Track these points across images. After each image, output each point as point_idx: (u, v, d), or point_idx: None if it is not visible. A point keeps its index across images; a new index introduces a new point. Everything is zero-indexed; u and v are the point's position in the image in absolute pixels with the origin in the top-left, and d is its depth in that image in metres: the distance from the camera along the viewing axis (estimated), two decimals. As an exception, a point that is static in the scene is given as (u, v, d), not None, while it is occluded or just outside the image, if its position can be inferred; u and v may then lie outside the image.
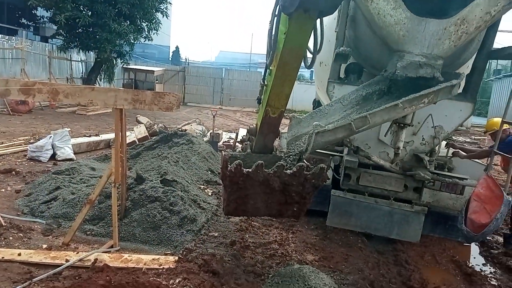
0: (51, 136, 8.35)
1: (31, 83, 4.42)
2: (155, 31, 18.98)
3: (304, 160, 3.58)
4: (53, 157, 8.14)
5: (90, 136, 10.75)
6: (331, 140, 3.65)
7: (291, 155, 3.66)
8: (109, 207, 4.96)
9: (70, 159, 8.17)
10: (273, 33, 3.22)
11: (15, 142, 9.17)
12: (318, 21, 2.99)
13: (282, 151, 3.97)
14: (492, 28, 4.46)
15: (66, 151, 8.36)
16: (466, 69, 5.08)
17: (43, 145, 8.10)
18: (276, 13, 3.14)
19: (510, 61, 29.54)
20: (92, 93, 4.21)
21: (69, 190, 5.70)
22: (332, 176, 5.41)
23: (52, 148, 8.24)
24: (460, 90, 4.21)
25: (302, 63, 3.21)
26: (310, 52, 3.24)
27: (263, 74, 3.90)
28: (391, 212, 4.98)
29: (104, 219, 4.97)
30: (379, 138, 4.99)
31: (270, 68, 3.45)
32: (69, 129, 9.63)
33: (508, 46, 4.55)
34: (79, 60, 21.12)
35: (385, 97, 4.03)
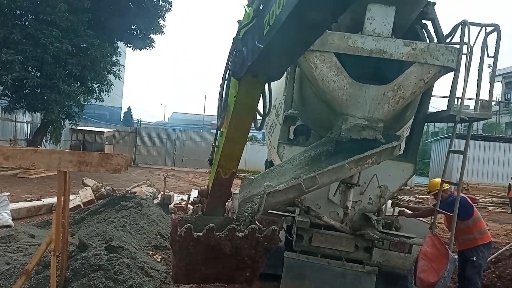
0: (-13, 202, 7.80)
1: (-33, 144, 4.17)
2: (106, 93, 18.88)
3: (256, 222, 3.53)
4: (-12, 224, 7.54)
5: (31, 200, 10.10)
6: (283, 200, 3.66)
7: (242, 216, 3.61)
8: (47, 278, 4.55)
9: (8, 226, 7.59)
10: (224, 96, 3.30)
11: None
12: (266, 85, 3.12)
13: (234, 213, 3.91)
14: (426, 93, 4.85)
15: (4, 217, 7.79)
16: (405, 131, 5.41)
17: (-22, 211, 7.52)
18: (226, 77, 3.25)
19: (446, 124, 31.97)
20: (34, 155, 4.01)
21: (3, 260, 5.23)
22: (285, 237, 5.36)
23: (-12, 214, 7.66)
24: (401, 151, 4.45)
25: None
26: (260, 115, 3.34)
27: (214, 135, 3.93)
28: (343, 273, 4.95)
29: (41, 292, 4.55)
30: (329, 198, 5.07)
31: (221, 129, 3.49)
32: (8, 193, 9.04)
33: (442, 111, 4.93)
34: (25, 121, 20.37)
35: (332, 158, 4.16)
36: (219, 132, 3.63)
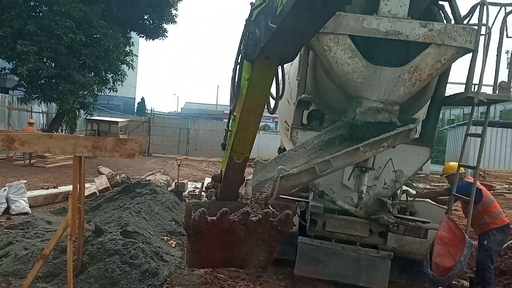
0: (5, 189, 7.95)
1: (-16, 131, 4.23)
2: (120, 82, 18.99)
3: (270, 206, 3.53)
4: (7, 211, 7.70)
5: (47, 188, 10.27)
6: (296, 184, 3.64)
7: (256, 201, 3.60)
8: (64, 263, 4.64)
9: (25, 213, 7.73)
10: (236, 80, 3.28)
11: (-35, 196, 8.60)
12: (279, 68, 3.08)
13: (248, 198, 3.92)
14: (443, 75, 4.75)
15: (21, 205, 7.93)
16: (422, 114, 5.32)
17: (-4, 199, 7.68)
18: (239, 60, 3.22)
19: (462, 111, 31.44)
20: (50, 141, 4.06)
21: (21, 246, 5.33)
22: (298, 223, 5.35)
23: (6, 201, 7.82)
24: (417, 135, 4.38)
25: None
26: (273, 98, 3.31)
27: (227, 120, 3.92)
28: (358, 258, 4.93)
29: (59, 276, 4.62)
30: (343, 183, 5.03)
31: (234, 113, 3.47)
32: (25, 181, 9.19)
33: (459, 93, 4.82)
34: (40, 111, 20.66)
35: (346, 142, 4.12)
36: (232, 116, 3.62)
